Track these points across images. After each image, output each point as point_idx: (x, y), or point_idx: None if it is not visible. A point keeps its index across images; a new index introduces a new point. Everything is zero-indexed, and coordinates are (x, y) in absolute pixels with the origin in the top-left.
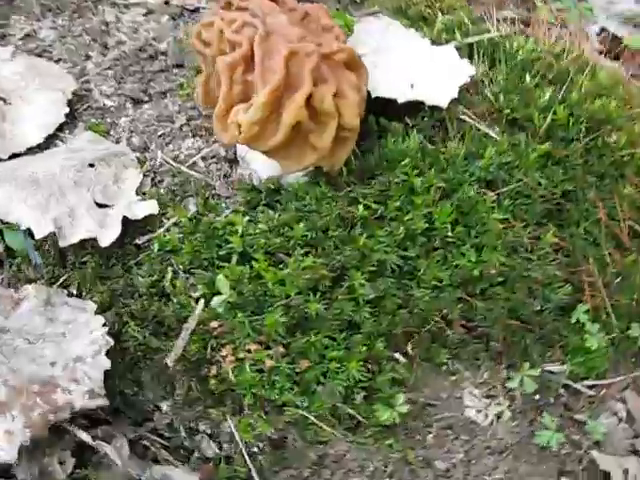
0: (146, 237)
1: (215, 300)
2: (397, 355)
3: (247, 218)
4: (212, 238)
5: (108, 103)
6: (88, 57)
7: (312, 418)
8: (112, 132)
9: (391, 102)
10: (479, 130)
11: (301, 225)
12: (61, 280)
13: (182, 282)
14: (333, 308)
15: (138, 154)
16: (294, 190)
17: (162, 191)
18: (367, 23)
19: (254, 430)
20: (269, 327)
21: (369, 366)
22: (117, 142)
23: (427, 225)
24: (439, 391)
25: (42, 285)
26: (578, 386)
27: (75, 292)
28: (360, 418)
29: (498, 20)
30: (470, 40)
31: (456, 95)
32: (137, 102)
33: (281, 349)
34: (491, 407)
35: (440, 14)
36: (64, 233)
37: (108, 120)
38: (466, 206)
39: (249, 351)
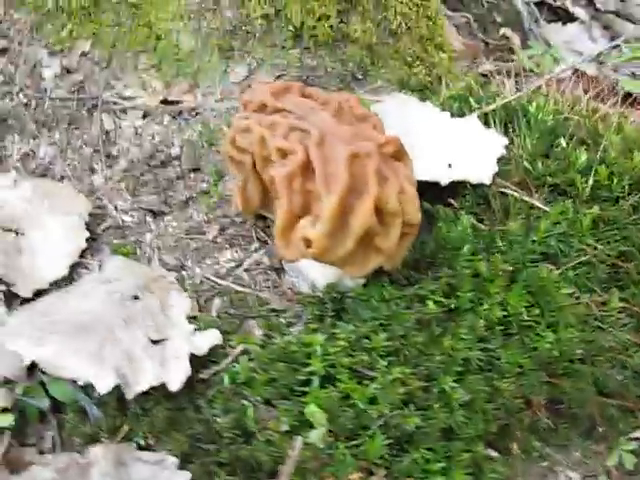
0: (212, 370)
1: (313, 435)
2: (493, 453)
3: (324, 336)
4: (289, 363)
5: (127, 219)
6: (93, 171)
7: None
8: (139, 251)
9: (431, 185)
10: (525, 201)
11: (381, 335)
12: (124, 432)
13: (265, 416)
14: (428, 418)
15: (175, 273)
16: (358, 295)
17: (214, 314)
18: (383, 103)
19: None
20: (371, 453)
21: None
22: (148, 262)
23: (504, 313)
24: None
25: (108, 443)
26: None
27: (143, 443)
28: None
29: (486, 75)
30: (492, 107)
31: (496, 169)
32: (158, 214)
33: (384, 472)
34: None
35: (443, 81)
36: (129, 382)
37: (131, 239)
38: (534, 285)
39: None
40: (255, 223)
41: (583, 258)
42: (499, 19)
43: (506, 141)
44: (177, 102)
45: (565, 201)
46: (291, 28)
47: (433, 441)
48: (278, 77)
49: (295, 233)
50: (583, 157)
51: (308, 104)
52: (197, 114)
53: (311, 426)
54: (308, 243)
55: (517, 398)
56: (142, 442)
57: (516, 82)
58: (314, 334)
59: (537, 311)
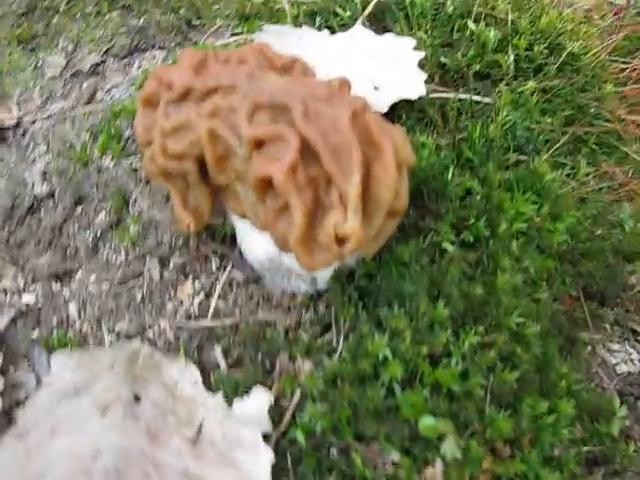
0: (274, 433)
1: (447, 447)
2: None
3: (382, 335)
4: (361, 384)
5: (29, 299)
6: None
7: None
8: (71, 331)
9: None
10: (461, 100)
11: (440, 304)
12: None
13: (372, 455)
14: (514, 367)
15: (139, 339)
16: (374, 271)
17: (223, 365)
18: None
19: None
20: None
21: None
22: (100, 343)
23: (522, 224)
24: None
25: None
26: None
27: None
28: None
29: None
30: (366, 13)
31: (425, 75)
32: (65, 276)
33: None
34: None
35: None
36: None
37: (53, 323)
38: (527, 183)
39: None
40: (199, 237)
41: (545, 136)
42: None
43: (414, 41)
44: None
45: (498, 85)
46: None
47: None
48: (106, 51)
49: (323, 233)
50: (492, 34)
51: (244, 69)
52: (26, 130)
53: (428, 441)
54: (343, 240)
55: (554, 301)
56: None
57: None
58: (370, 338)
59: (545, 209)
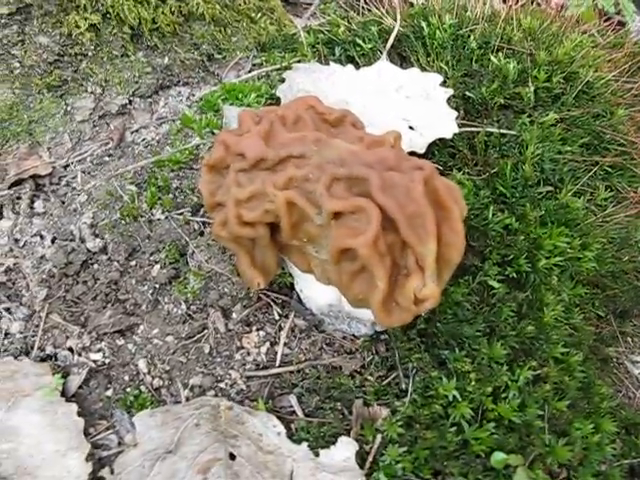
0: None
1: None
2: None
3: (450, 379)
4: (433, 425)
5: (98, 357)
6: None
7: None
8: (144, 389)
9: None
10: (489, 135)
11: (498, 343)
12: None
13: None
14: (563, 392)
15: (213, 392)
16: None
17: (300, 414)
18: (289, 80)
19: None
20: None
21: None
22: (175, 400)
23: (559, 257)
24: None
25: None
26: None
27: None
28: None
29: None
30: (388, 45)
31: (455, 113)
32: (128, 331)
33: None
34: None
35: (300, 30)
36: None
37: (125, 379)
38: (559, 216)
39: None
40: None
41: (567, 167)
42: None
43: (440, 78)
44: (28, 177)
45: (521, 117)
46: (126, 29)
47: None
48: (133, 93)
49: (404, 298)
50: (512, 66)
51: (310, 137)
52: (61, 178)
53: (499, 473)
54: (421, 301)
55: (587, 324)
56: None
57: None
58: (438, 381)
59: (577, 241)
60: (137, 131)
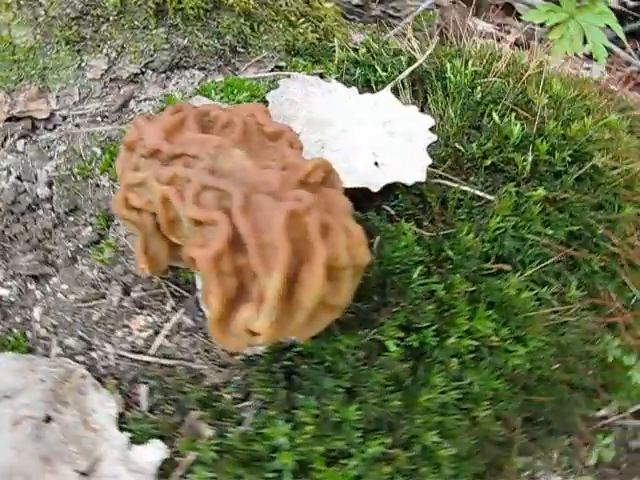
0: None
1: None
2: None
3: (285, 424)
4: (252, 462)
5: (4, 293)
6: None
7: None
8: (30, 334)
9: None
10: (464, 192)
11: (351, 407)
12: None
13: None
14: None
15: (83, 357)
16: (309, 352)
17: (144, 407)
18: (283, 87)
19: None
20: None
21: None
22: (46, 351)
23: (473, 341)
24: None
25: None
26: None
27: None
28: None
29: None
30: (401, 77)
31: (429, 161)
32: (42, 279)
33: None
34: None
35: (335, 41)
36: None
37: (16, 319)
38: (497, 300)
39: None
40: (162, 276)
41: (537, 250)
42: None
43: (432, 122)
44: (27, 117)
45: (507, 185)
46: (151, 4)
47: None
48: (146, 65)
49: (235, 324)
50: (517, 130)
51: (213, 142)
52: (55, 126)
53: None
54: (254, 334)
55: (494, 424)
56: None
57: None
58: (274, 422)
59: (506, 330)
60: (142, 101)
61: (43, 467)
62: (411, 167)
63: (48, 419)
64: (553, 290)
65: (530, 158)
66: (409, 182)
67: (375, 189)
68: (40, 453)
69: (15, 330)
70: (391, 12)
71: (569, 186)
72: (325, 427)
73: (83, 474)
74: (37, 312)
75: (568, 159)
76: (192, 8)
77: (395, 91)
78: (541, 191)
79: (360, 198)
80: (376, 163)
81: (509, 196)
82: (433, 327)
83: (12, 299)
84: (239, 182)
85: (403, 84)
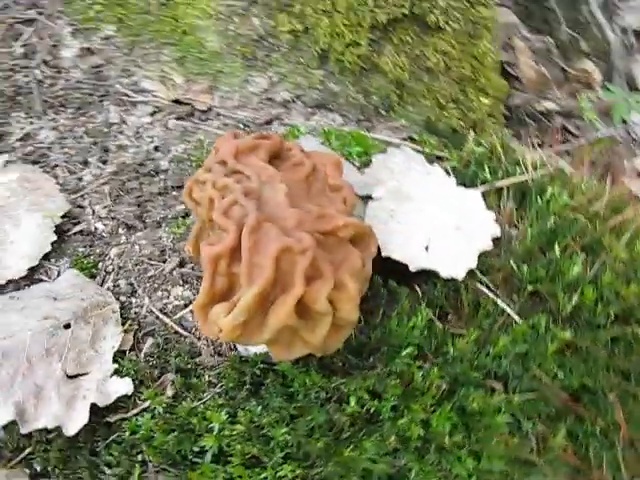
0: (118, 416)
1: None
2: None
3: (225, 415)
4: (187, 432)
5: (100, 227)
6: (86, 163)
7: None
8: (100, 266)
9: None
10: (496, 305)
11: (283, 429)
12: (25, 454)
13: (152, 478)
14: None
15: (124, 298)
16: (284, 371)
17: (141, 358)
18: (388, 155)
19: None
20: None
21: None
22: (102, 282)
23: (423, 432)
24: None
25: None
26: None
27: (40, 469)
28: None
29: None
30: (499, 184)
31: (474, 265)
32: (131, 229)
33: None
34: None
35: (472, 132)
36: (26, 419)
37: (97, 251)
38: (469, 407)
39: None
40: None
41: (536, 385)
42: (585, 47)
43: (498, 233)
44: (190, 104)
45: (540, 315)
46: (318, 49)
47: None
48: (298, 96)
49: (210, 314)
50: (575, 270)
51: (269, 172)
52: (207, 119)
53: None
54: (219, 329)
55: None
56: (39, 468)
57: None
58: (219, 410)
59: (461, 436)
60: (283, 125)
61: (41, 354)
62: (455, 263)
63: (68, 326)
64: (537, 429)
65: (575, 300)
66: (444, 275)
67: (412, 269)
68: (47, 345)
69: (92, 257)
70: (571, 128)
71: (602, 342)
72: (254, 434)
73: (68, 376)
74: (114, 251)
75: (612, 316)
76: (350, 63)
77: (498, 192)
78: (568, 334)
79: (402, 272)
80: (426, 247)
81: (535, 325)
82: (393, 402)
83: (104, 234)
84: (264, 209)
85: (508, 190)
